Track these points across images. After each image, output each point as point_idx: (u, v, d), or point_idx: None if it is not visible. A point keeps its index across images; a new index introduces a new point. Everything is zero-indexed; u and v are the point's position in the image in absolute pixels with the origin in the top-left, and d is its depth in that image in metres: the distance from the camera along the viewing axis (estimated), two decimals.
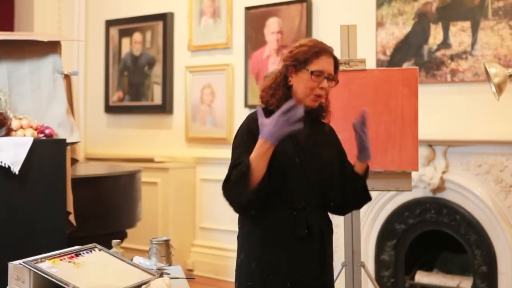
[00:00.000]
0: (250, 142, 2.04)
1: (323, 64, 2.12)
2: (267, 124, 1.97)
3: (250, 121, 2.16)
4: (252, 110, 5.56)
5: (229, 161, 2.10)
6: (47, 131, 3.26)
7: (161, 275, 2.11)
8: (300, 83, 2.12)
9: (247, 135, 2.09)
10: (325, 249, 2.20)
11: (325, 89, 2.13)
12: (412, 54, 4.32)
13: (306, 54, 2.12)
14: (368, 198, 2.29)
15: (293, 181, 2.09)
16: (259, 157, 1.98)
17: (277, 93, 2.13)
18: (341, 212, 2.35)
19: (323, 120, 2.26)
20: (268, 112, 2.10)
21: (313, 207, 2.13)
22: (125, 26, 5.96)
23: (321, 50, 2.13)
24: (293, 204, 2.10)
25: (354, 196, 2.24)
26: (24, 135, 3.16)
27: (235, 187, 2.01)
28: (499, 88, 2.80)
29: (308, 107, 2.14)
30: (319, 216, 2.17)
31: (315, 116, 2.22)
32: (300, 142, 2.15)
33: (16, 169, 3.03)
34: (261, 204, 2.04)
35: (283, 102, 2.08)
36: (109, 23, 6.08)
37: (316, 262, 2.16)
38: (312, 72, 2.10)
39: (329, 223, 2.23)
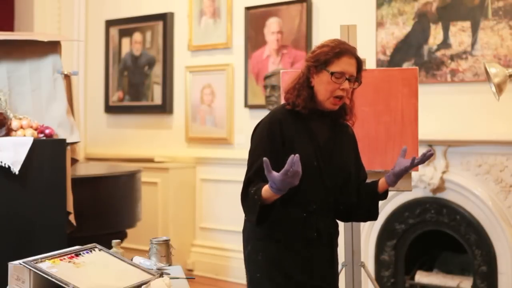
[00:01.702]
0: (270, 145, 2.04)
1: (344, 65, 2.08)
2: (275, 181, 1.89)
3: (272, 122, 2.12)
4: (253, 110, 5.54)
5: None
6: (47, 131, 3.25)
7: (161, 275, 2.11)
8: (321, 84, 2.10)
9: (267, 137, 2.07)
10: (333, 251, 2.21)
11: (346, 90, 2.09)
12: (412, 54, 4.32)
13: (327, 55, 2.09)
14: (375, 216, 2.29)
15: (309, 183, 2.08)
16: (268, 197, 1.97)
17: (302, 93, 2.12)
18: (346, 218, 2.35)
19: (345, 122, 2.23)
20: (294, 114, 2.11)
21: (324, 210, 2.14)
22: (125, 26, 5.96)
23: (343, 50, 2.09)
24: (305, 206, 2.11)
25: (365, 208, 2.24)
26: (24, 135, 3.16)
27: (247, 209, 2.06)
28: (499, 88, 2.80)
29: (328, 109, 2.13)
30: (329, 219, 2.19)
31: (336, 118, 2.21)
32: (320, 145, 2.14)
33: (16, 169, 3.03)
34: (271, 218, 2.05)
35: (309, 102, 2.10)
36: (109, 23, 6.08)
37: (323, 264, 2.17)
38: (332, 74, 2.07)
39: (337, 225, 2.25)
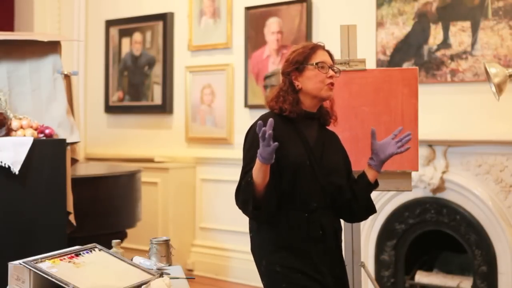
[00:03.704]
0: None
1: (321, 56, 2.19)
2: (259, 150, 1.97)
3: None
4: (253, 110, 5.54)
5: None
6: (47, 131, 3.25)
7: (161, 275, 2.11)
8: (309, 80, 2.16)
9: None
10: (339, 246, 2.26)
11: (334, 77, 2.17)
12: (412, 54, 4.32)
13: (303, 53, 2.18)
14: (374, 208, 2.33)
15: (305, 182, 2.13)
16: (256, 170, 2.02)
17: (287, 98, 2.17)
18: (350, 218, 2.38)
19: (328, 127, 2.30)
20: (283, 118, 2.16)
21: (324, 208, 2.18)
22: (125, 26, 5.96)
23: (315, 46, 2.21)
24: (305, 206, 2.14)
25: (363, 202, 2.27)
26: (24, 135, 3.16)
27: (242, 197, 2.07)
28: (499, 88, 2.80)
29: (326, 99, 2.20)
30: (331, 215, 2.22)
31: (322, 121, 2.27)
32: (310, 145, 2.18)
33: (16, 169, 3.03)
34: (269, 210, 2.07)
35: (295, 106, 2.16)
36: (109, 23, 6.07)
37: (333, 259, 2.21)
38: (317, 64, 2.15)
39: (339, 221, 2.29)
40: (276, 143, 1.92)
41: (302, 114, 2.18)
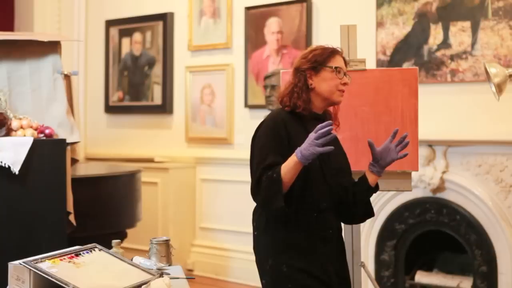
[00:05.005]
0: (277, 143, 2.09)
1: (338, 62, 2.22)
2: (305, 141, 2.00)
3: (277, 122, 2.16)
4: (253, 110, 5.53)
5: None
6: (47, 131, 3.26)
7: (161, 275, 2.11)
8: (323, 82, 2.19)
9: (273, 136, 2.12)
10: (343, 245, 2.30)
11: (347, 84, 2.20)
12: (412, 54, 4.32)
13: (323, 55, 2.20)
14: (373, 212, 2.34)
15: (315, 183, 2.14)
16: (287, 167, 2.03)
17: (302, 96, 2.19)
18: (349, 220, 2.39)
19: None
20: (295, 115, 2.18)
21: (331, 208, 2.20)
22: (125, 26, 5.96)
23: (334, 50, 2.23)
24: (315, 206, 2.15)
25: (363, 205, 2.29)
26: (24, 135, 3.16)
27: (267, 193, 2.05)
28: (499, 88, 2.80)
29: (336, 103, 2.24)
30: (334, 216, 2.25)
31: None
32: None
33: (16, 169, 3.03)
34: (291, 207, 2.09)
35: (309, 103, 2.18)
36: (109, 23, 6.08)
37: (338, 259, 2.25)
38: (336, 68, 2.18)
39: (340, 221, 2.32)
40: (332, 146, 1.98)
41: (312, 113, 2.21)
